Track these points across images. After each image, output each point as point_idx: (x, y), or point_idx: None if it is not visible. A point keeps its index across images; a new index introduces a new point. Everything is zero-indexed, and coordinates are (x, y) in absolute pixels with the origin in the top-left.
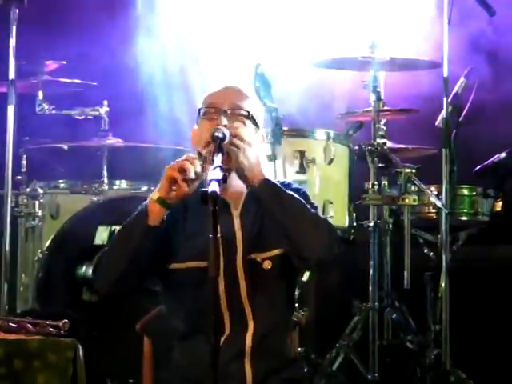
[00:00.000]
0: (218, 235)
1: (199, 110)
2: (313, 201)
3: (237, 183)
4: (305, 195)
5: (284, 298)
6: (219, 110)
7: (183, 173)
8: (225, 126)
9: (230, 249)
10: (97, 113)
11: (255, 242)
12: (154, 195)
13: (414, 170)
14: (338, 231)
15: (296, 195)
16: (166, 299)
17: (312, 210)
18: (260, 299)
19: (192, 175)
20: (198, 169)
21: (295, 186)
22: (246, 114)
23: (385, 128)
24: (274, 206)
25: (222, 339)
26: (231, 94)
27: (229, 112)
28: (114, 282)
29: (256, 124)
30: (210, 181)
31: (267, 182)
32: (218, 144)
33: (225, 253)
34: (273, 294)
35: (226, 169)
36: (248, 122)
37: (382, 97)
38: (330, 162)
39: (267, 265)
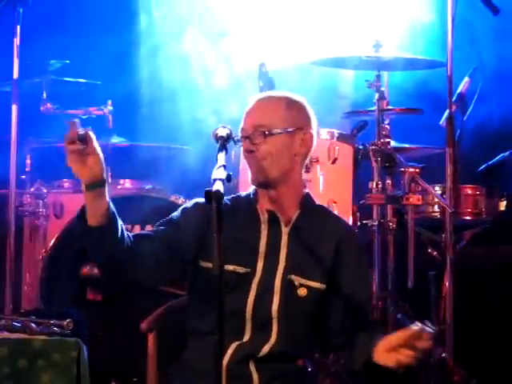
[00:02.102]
0: (263, 241)
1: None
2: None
3: (281, 196)
4: (363, 255)
5: (311, 323)
6: (242, 137)
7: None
8: (251, 150)
9: (272, 262)
10: (101, 112)
11: (298, 265)
12: (82, 186)
13: (417, 170)
14: None
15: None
16: (192, 296)
17: None
18: (289, 318)
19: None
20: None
21: (357, 242)
22: (263, 133)
23: (389, 127)
24: None
25: (237, 343)
26: (254, 113)
27: (250, 135)
28: (109, 283)
29: (287, 131)
30: (214, 180)
31: None
32: (221, 143)
33: (265, 264)
34: (301, 319)
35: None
36: (271, 137)
37: (386, 96)
38: (334, 161)
39: (302, 292)
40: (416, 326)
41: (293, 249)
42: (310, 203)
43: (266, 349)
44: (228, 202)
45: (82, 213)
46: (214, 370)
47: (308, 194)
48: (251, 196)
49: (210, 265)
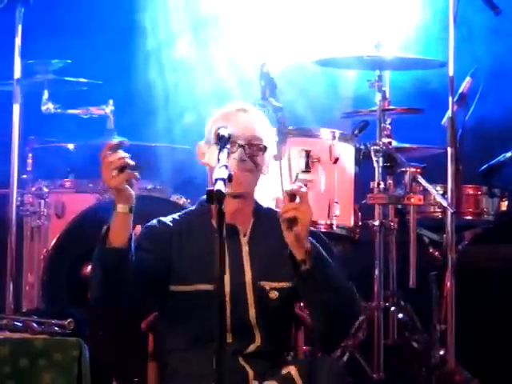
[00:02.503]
0: (226, 255)
1: (212, 129)
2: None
3: (244, 207)
4: (331, 251)
5: (287, 327)
6: (237, 144)
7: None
8: (245, 160)
9: (238, 274)
10: (102, 112)
11: (264, 271)
12: (123, 208)
13: (419, 170)
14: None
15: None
16: (166, 319)
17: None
18: (269, 324)
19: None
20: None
21: (323, 238)
22: (262, 147)
23: (390, 127)
24: (322, 288)
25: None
26: (248, 126)
27: (247, 147)
28: (99, 302)
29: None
30: (216, 180)
31: (318, 259)
32: (223, 143)
33: (232, 277)
34: (278, 321)
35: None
36: (263, 153)
37: (388, 96)
38: (336, 161)
39: (273, 295)
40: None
41: (255, 256)
42: (261, 209)
43: (251, 348)
44: (178, 219)
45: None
46: (209, 372)
47: (257, 201)
48: (202, 212)
49: (180, 288)
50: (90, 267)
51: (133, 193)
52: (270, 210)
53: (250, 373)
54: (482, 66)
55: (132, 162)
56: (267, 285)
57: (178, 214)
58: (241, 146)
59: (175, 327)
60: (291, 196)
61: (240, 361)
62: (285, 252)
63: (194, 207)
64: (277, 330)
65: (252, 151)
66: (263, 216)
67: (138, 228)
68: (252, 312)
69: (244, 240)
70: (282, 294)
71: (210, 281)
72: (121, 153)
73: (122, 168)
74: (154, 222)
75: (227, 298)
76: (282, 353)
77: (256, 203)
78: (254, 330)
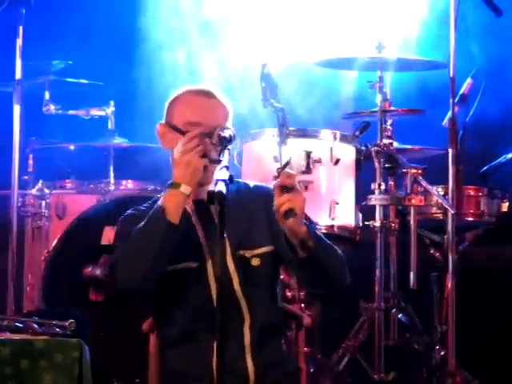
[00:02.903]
0: (201, 232)
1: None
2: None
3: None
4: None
5: (273, 293)
6: (204, 136)
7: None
8: (212, 149)
9: (215, 248)
10: (103, 113)
11: (243, 240)
12: (187, 190)
13: (420, 171)
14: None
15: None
16: (155, 306)
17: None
18: (253, 293)
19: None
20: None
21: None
22: (228, 138)
23: (391, 128)
24: (320, 261)
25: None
26: (214, 112)
27: (214, 141)
28: (137, 278)
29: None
30: (217, 181)
31: (312, 239)
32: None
33: (212, 254)
34: (263, 289)
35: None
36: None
37: (389, 97)
38: (337, 162)
39: (255, 262)
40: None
41: (230, 228)
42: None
43: (247, 332)
44: (152, 205)
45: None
46: (207, 373)
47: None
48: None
49: (169, 267)
50: (121, 247)
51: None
52: (236, 181)
53: (251, 372)
54: (482, 66)
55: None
56: (248, 253)
57: (148, 201)
58: (205, 134)
59: (165, 315)
60: (281, 188)
61: (247, 357)
62: (260, 217)
63: (163, 193)
64: (264, 300)
65: (219, 140)
66: (234, 186)
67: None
68: (236, 283)
69: (215, 213)
70: (265, 260)
71: (188, 259)
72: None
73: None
74: (130, 211)
75: (211, 276)
76: (274, 326)
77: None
78: (241, 304)
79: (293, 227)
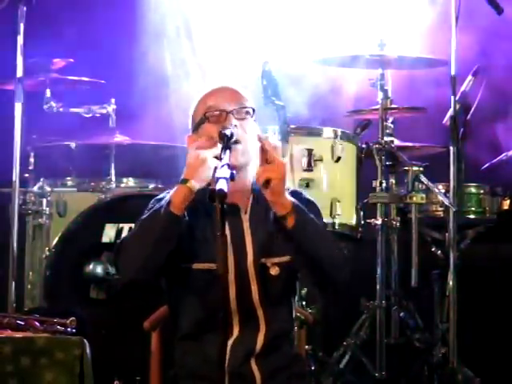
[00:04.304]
0: (227, 233)
1: (195, 114)
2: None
3: (244, 185)
4: (316, 208)
5: (290, 303)
6: (225, 112)
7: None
8: (235, 125)
9: (241, 253)
10: (104, 111)
11: (264, 247)
12: (195, 186)
13: (421, 168)
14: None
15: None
16: (172, 299)
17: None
18: (270, 303)
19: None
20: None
21: (306, 196)
22: (251, 110)
23: (392, 126)
24: (304, 240)
25: (231, 341)
26: (232, 94)
27: (235, 112)
28: (138, 268)
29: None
30: (218, 179)
31: (297, 214)
32: (225, 142)
33: (236, 256)
34: (280, 299)
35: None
36: (252, 119)
37: (390, 95)
38: (338, 160)
39: (274, 271)
40: None
41: (256, 233)
42: (257, 187)
43: (260, 340)
44: None
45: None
46: (214, 373)
47: (254, 179)
48: (204, 191)
49: (188, 265)
50: (125, 236)
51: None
52: None
53: (257, 377)
54: (484, 64)
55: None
56: (268, 261)
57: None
58: (229, 111)
59: (179, 309)
60: (264, 154)
61: (252, 364)
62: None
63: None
64: (281, 311)
65: (241, 116)
66: (260, 193)
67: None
68: (255, 292)
69: (245, 217)
70: (284, 269)
71: (210, 260)
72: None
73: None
74: (162, 195)
75: (232, 278)
76: (288, 334)
77: (253, 182)
78: (258, 313)
79: (273, 198)
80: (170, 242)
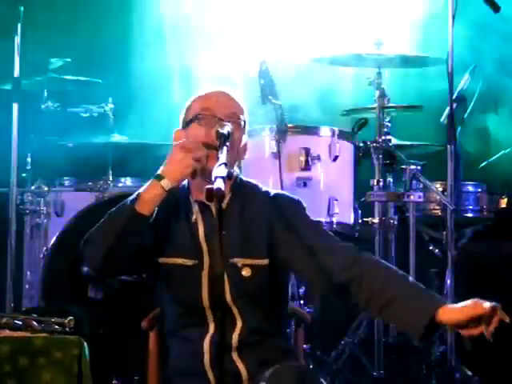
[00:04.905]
0: (201, 230)
1: (187, 112)
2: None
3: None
4: (301, 206)
5: (270, 301)
6: (215, 117)
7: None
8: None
9: (214, 252)
10: (102, 110)
11: (238, 247)
12: (167, 185)
13: (419, 167)
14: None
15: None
16: (155, 294)
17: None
18: (245, 302)
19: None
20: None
21: (289, 196)
22: (242, 123)
23: (389, 125)
24: None
25: (208, 337)
26: (225, 101)
27: (226, 121)
28: (100, 259)
29: (244, 129)
30: (216, 178)
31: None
32: (222, 141)
33: (209, 254)
34: (255, 300)
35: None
36: (240, 132)
37: (387, 93)
38: (335, 158)
39: (246, 272)
40: (487, 305)
41: (228, 233)
42: (241, 185)
43: (235, 337)
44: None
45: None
46: (199, 367)
47: (238, 177)
48: (185, 187)
49: (166, 260)
50: (93, 228)
51: (183, 180)
52: (250, 185)
53: (242, 369)
54: (481, 63)
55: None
56: (240, 261)
57: None
58: (220, 119)
59: (163, 304)
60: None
61: (233, 356)
62: (260, 227)
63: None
64: (258, 310)
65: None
66: (242, 190)
67: None
68: (227, 290)
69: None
70: (256, 272)
71: (186, 255)
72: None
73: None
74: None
75: (205, 276)
76: (272, 334)
77: (236, 179)
78: (233, 311)
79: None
80: (133, 236)
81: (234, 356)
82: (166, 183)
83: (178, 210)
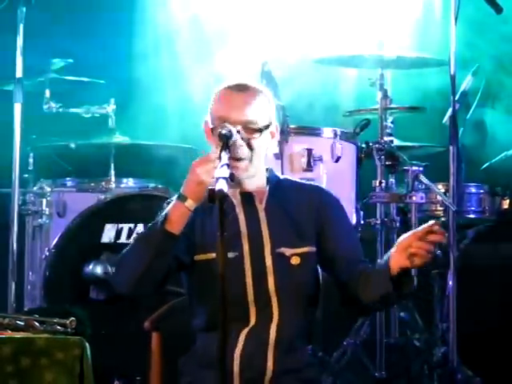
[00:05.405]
0: (242, 221)
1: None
2: None
3: (259, 178)
4: (342, 207)
5: (309, 296)
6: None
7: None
8: (240, 145)
9: (257, 242)
10: (104, 111)
11: (284, 237)
12: (191, 205)
13: (421, 168)
14: None
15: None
16: (190, 290)
17: None
18: (287, 293)
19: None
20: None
21: (333, 195)
22: (258, 129)
23: (392, 126)
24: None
25: (246, 330)
26: (242, 107)
27: (242, 130)
28: (132, 284)
29: (268, 127)
30: (218, 179)
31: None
32: (225, 142)
33: (251, 246)
34: (299, 290)
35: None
36: (261, 136)
37: (389, 95)
38: (337, 159)
39: (295, 260)
40: (419, 229)
41: (273, 223)
42: (275, 179)
43: (273, 331)
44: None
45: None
46: (223, 360)
47: (271, 170)
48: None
49: (202, 257)
50: (124, 251)
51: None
52: (285, 179)
53: (269, 368)
54: (483, 64)
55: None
56: (287, 251)
57: None
58: (237, 130)
59: (200, 301)
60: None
61: (268, 353)
62: (303, 216)
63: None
64: (298, 302)
65: (247, 135)
66: (278, 184)
67: (140, 227)
68: (271, 281)
69: (260, 207)
70: (304, 260)
71: (230, 249)
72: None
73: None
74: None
75: (248, 268)
76: (303, 330)
77: (269, 172)
78: (272, 303)
79: (408, 264)
80: (165, 257)
81: (270, 355)
82: (190, 204)
83: (214, 209)
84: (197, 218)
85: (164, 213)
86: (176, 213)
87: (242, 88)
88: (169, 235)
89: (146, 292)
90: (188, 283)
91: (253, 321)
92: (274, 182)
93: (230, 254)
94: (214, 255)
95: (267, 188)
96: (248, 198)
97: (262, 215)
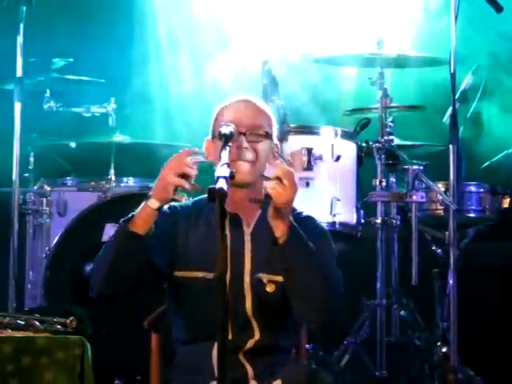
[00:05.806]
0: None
1: (214, 123)
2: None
3: (256, 192)
4: (327, 239)
5: (288, 321)
6: (238, 133)
7: (185, 178)
8: (245, 147)
9: (238, 264)
10: (104, 110)
11: (264, 263)
12: (153, 204)
13: (421, 167)
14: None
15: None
16: (170, 305)
17: (332, 268)
18: (264, 318)
19: (192, 180)
20: (195, 172)
21: (319, 226)
22: (264, 134)
23: (392, 125)
24: (299, 265)
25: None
26: (249, 113)
27: (248, 134)
28: (102, 284)
29: (271, 136)
30: (218, 178)
31: (294, 237)
32: (225, 141)
33: (232, 267)
34: (275, 316)
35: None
36: (267, 141)
37: (389, 93)
38: (338, 158)
39: (270, 288)
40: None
41: (257, 248)
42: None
43: (251, 342)
44: (190, 205)
45: (127, 221)
46: (209, 365)
47: (268, 194)
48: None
49: (182, 273)
50: (98, 254)
51: (170, 198)
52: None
53: (250, 371)
54: (483, 63)
55: (193, 173)
56: (265, 277)
57: (194, 199)
58: (242, 133)
59: (179, 316)
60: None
61: (240, 358)
62: None
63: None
64: (275, 324)
65: (253, 138)
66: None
67: None
68: (248, 304)
69: (247, 230)
70: (279, 288)
71: (208, 269)
72: (190, 160)
73: (183, 175)
74: (166, 206)
75: (226, 289)
76: (284, 349)
77: (266, 196)
78: (252, 324)
79: (274, 214)
80: (132, 257)
81: (241, 356)
82: (152, 203)
83: (204, 222)
84: (180, 230)
85: (132, 213)
86: (141, 212)
87: (249, 99)
88: (132, 235)
89: (117, 293)
90: (168, 295)
91: (230, 336)
92: (266, 205)
93: (210, 275)
94: (198, 274)
95: (259, 212)
96: (235, 220)
97: (247, 239)
